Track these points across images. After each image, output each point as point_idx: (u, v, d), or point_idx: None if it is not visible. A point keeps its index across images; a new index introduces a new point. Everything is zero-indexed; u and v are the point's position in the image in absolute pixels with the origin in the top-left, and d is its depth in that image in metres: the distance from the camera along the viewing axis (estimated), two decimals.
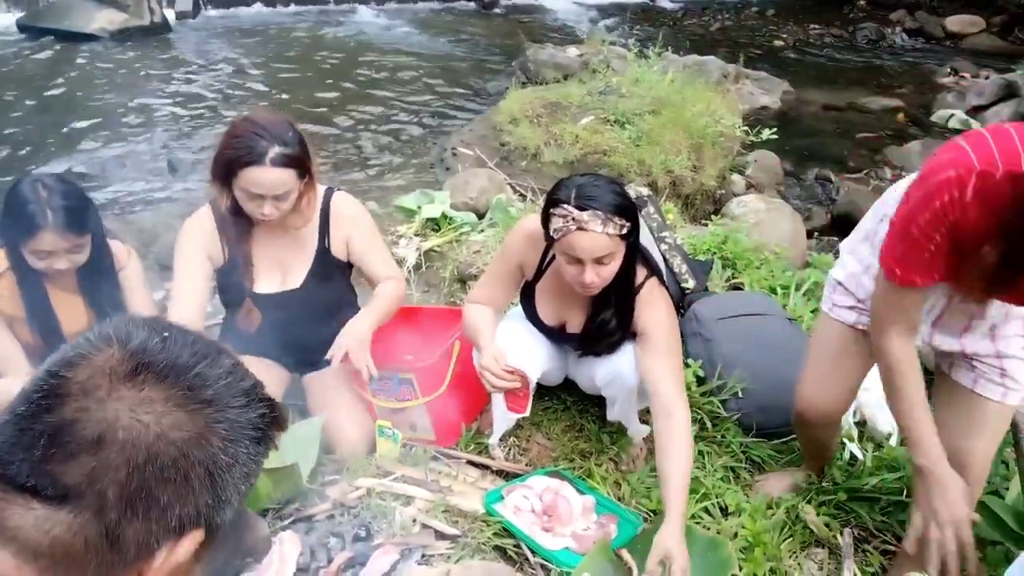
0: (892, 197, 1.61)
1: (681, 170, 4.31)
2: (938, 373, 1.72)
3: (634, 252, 1.78)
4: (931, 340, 1.65)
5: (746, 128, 4.89)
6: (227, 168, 1.81)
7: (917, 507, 1.59)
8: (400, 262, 3.31)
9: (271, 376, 2.19)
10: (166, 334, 0.66)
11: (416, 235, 3.47)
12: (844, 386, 1.82)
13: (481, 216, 3.73)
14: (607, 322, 1.86)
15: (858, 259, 1.70)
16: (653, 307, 1.84)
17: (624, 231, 1.68)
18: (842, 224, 4.67)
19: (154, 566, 0.63)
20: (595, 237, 1.66)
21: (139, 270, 2.15)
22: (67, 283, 2.02)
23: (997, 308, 1.55)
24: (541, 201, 4.13)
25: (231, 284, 2.04)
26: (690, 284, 2.66)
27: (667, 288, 1.91)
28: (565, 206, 1.67)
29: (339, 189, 2.13)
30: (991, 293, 1.43)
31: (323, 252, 2.07)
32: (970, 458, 1.66)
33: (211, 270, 2.02)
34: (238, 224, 1.97)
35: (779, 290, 2.88)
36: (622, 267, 1.76)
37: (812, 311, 2.76)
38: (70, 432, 0.60)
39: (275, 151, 1.78)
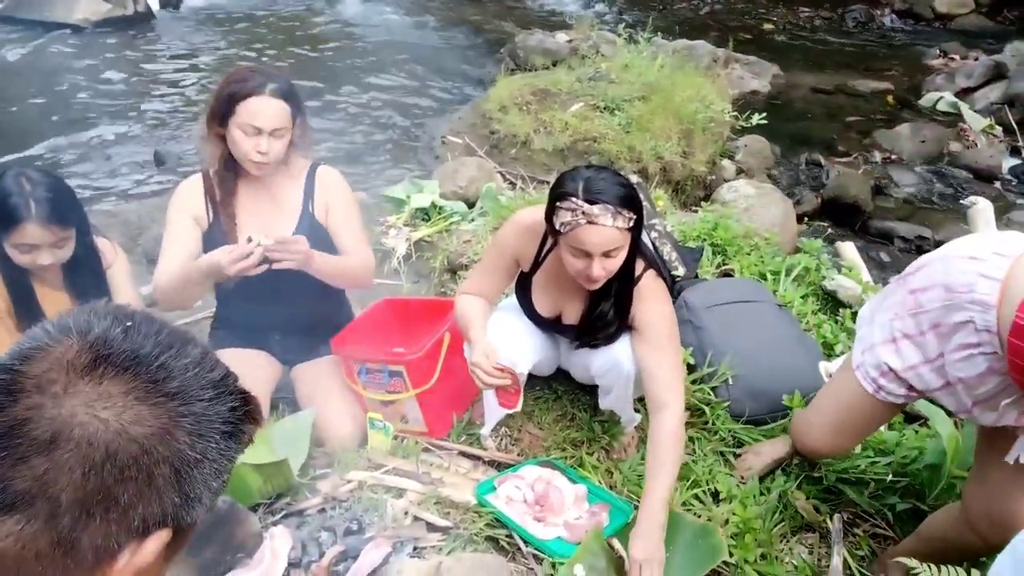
0: (965, 279, 1.40)
1: (671, 156, 4.30)
2: (988, 440, 1.58)
3: (637, 243, 1.77)
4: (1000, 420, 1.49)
5: (736, 113, 4.87)
6: (228, 103, 1.88)
7: None
8: (390, 252, 3.30)
9: (264, 368, 2.18)
10: (128, 323, 0.62)
11: (405, 225, 3.46)
12: (858, 441, 1.82)
13: (471, 205, 3.72)
14: (605, 314, 1.84)
15: (919, 348, 1.51)
16: (652, 299, 1.83)
17: (631, 223, 1.66)
18: (832, 208, 4.68)
19: (116, 568, 0.59)
20: (605, 231, 1.64)
21: (126, 267, 2.13)
22: (54, 280, 2.01)
23: None
24: (531, 189, 4.14)
25: (216, 245, 1.99)
26: (680, 271, 2.65)
27: (665, 279, 1.90)
28: (574, 199, 1.64)
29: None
30: None
31: (307, 215, 2.09)
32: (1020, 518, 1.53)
33: (199, 234, 2.05)
34: (226, 182, 2.02)
35: (769, 276, 2.88)
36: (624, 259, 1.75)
37: (802, 297, 2.77)
38: (20, 432, 0.56)
39: (273, 84, 1.90)
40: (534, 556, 1.78)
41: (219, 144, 1.97)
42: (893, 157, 5.42)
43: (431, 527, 1.77)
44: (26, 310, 1.97)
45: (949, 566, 1.56)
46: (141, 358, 0.60)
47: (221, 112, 1.91)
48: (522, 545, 1.80)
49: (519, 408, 1.95)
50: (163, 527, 0.61)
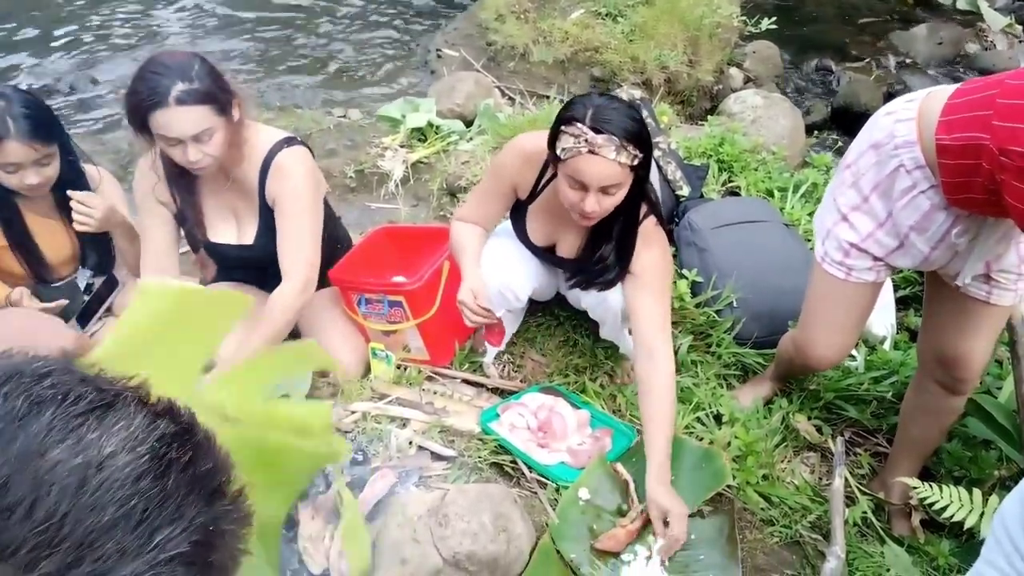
0: (885, 132, 1.48)
1: (676, 66, 4.12)
2: (936, 282, 1.68)
3: (643, 185, 1.69)
4: (945, 267, 1.58)
5: (744, 18, 4.63)
6: (136, 116, 1.66)
7: None
8: (387, 176, 3.22)
9: (256, 301, 2.16)
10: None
11: (402, 146, 3.35)
12: (856, 334, 1.78)
13: (469, 124, 3.59)
14: (605, 258, 1.78)
15: (869, 215, 1.56)
16: (649, 246, 1.76)
17: (636, 162, 1.57)
18: (841, 118, 4.53)
19: None
20: (606, 164, 1.55)
21: (116, 188, 2.11)
22: (44, 207, 2.01)
23: None
24: (531, 105, 4.00)
25: (186, 231, 1.96)
26: (684, 191, 2.60)
27: (664, 224, 1.82)
28: (579, 125, 1.55)
29: (301, 144, 1.91)
30: None
31: (265, 207, 1.90)
32: (971, 358, 1.66)
33: (170, 217, 1.93)
34: (181, 182, 1.84)
35: (776, 193, 2.81)
36: (628, 200, 1.67)
37: (809, 214, 2.70)
38: None
39: (178, 88, 1.62)
40: (538, 481, 1.80)
41: (154, 145, 1.76)
42: (907, 61, 5.20)
43: (436, 456, 1.78)
44: (18, 238, 1.99)
45: (951, 486, 1.60)
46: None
47: (137, 124, 1.69)
48: (526, 471, 1.83)
49: (503, 347, 1.94)
50: None
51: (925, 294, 1.76)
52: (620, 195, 1.63)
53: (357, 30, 5.07)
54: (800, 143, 3.81)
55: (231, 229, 1.95)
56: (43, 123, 1.84)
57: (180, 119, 1.63)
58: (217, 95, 1.68)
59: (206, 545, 0.43)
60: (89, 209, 1.90)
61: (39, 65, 4.53)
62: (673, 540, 1.61)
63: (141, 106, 1.64)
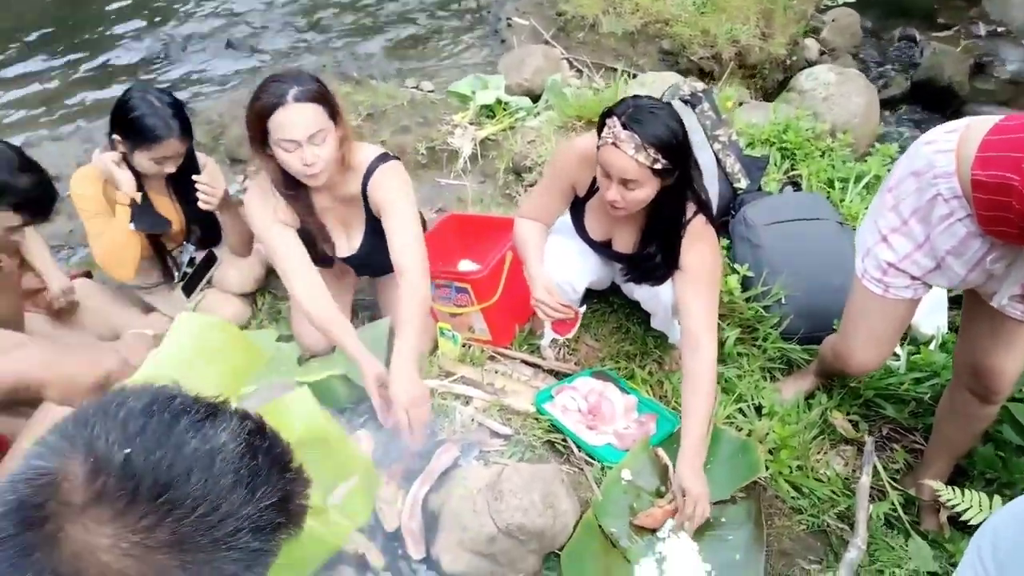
0: (925, 160, 1.55)
1: (748, 39, 4.08)
2: (974, 296, 1.74)
3: (682, 190, 1.80)
4: (982, 286, 1.65)
5: None
6: (258, 124, 1.77)
7: None
8: (456, 153, 3.37)
9: (341, 283, 2.38)
10: (128, 450, 0.58)
11: (471, 124, 3.49)
12: (892, 345, 1.87)
13: (536, 99, 3.70)
14: (652, 256, 1.92)
15: (908, 237, 1.64)
16: (699, 244, 1.87)
17: (657, 166, 1.69)
18: (921, 93, 4.40)
19: None
20: (624, 158, 1.69)
21: (217, 169, 2.35)
22: (159, 186, 2.30)
23: None
24: (598, 77, 4.05)
25: (314, 249, 2.07)
26: (742, 184, 2.66)
27: (713, 224, 1.92)
28: (615, 119, 1.71)
29: (394, 158, 2.02)
30: None
31: (369, 214, 2.05)
32: (1004, 373, 1.74)
33: (296, 238, 2.00)
34: (300, 199, 1.95)
35: (837, 184, 2.83)
36: (670, 204, 1.80)
37: (867, 208, 2.72)
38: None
39: (296, 89, 1.75)
40: (585, 461, 1.99)
41: (272, 163, 1.86)
42: (1000, 29, 4.94)
43: (494, 433, 1.99)
44: (146, 212, 2.26)
45: (972, 490, 1.70)
46: (138, 495, 0.57)
47: (257, 136, 1.80)
48: (575, 450, 2.01)
49: (572, 335, 2.10)
50: None
51: (964, 305, 1.83)
52: (642, 193, 1.75)
53: None
54: (873, 122, 3.75)
55: (342, 242, 2.12)
56: (187, 122, 2.15)
57: (298, 115, 1.74)
58: (329, 98, 1.82)
59: (286, 498, 0.65)
60: (213, 190, 2.21)
61: (124, 36, 4.81)
62: (689, 519, 1.76)
63: (264, 109, 1.75)
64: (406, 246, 1.91)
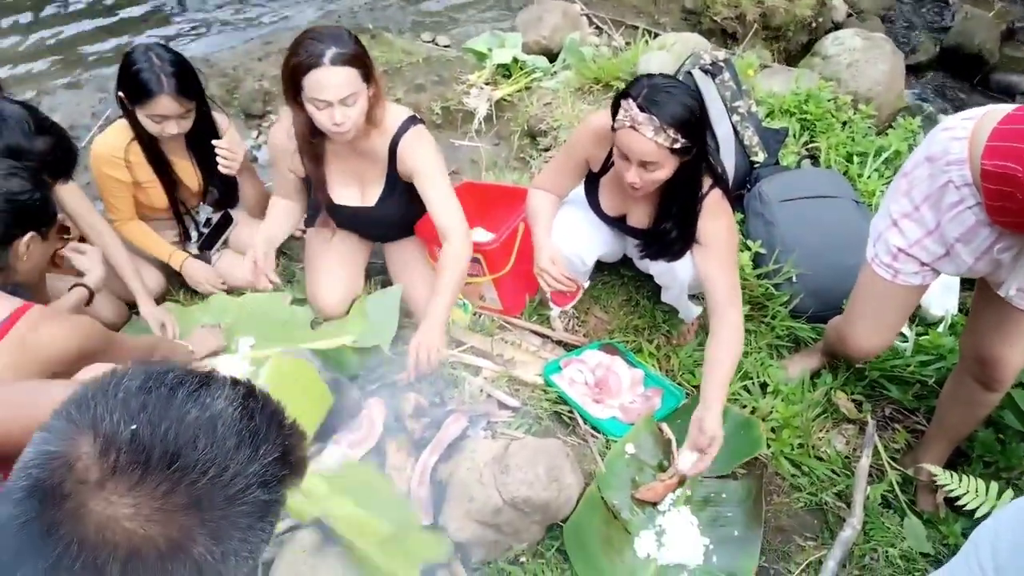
0: (940, 146, 1.53)
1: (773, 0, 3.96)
2: (984, 285, 1.74)
3: (698, 166, 1.79)
4: (990, 275, 1.66)
5: None
6: (293, 79, 1.82)
7: None
8: (471, 114, 3.34)
9: (355, 247, 2.39)
10: (134, 425, 0.62)
11: (486, 84, 3.44)
12: (896, 331, 1.88)
13: (553, 59, 3.63)
14: (668, 232, 1.92)
15: (919, 223, 1.64)
16: (715, 218, 1.87)
17: (677, 145, 1.68)
18: (950, 59, 4.28)
19: None
20: (644, 141, 1.69)
21: (236, 134, 2.35)
22: (178, 148, 2.29)
23: None
24: (618, 35, 3.96)
25: (312, 194, 2.19)
26: (760, 157, 2.63)
27: (729, 197, 1.91)
28: (630, 101, 1.69)
29: (419, 122, 2.06)
30: None
31: (392, 176, 2.10)
32: (1008, 362, 1.76)
33: (298, 182, 2.18)
34: (314, 148, 2.04)
35: (856, 159, 2.79)
36: (686, 181, 1.79)
37: (884, 185, 2.70)
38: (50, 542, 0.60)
39: (333, 51, 1.78)
40: (590, 433, 2.04)
41: (302, 112, 1.91)
42: None
43: (502, 405, 2.03)
44: (164, 170, 2.27)
45: (969, 476, 1.74)
46: (150, 466, 0.61)
47: (291, 88, 1.85)
48: (581, 422, 2.06)
49: (570, 308, 2.12)
50: None
51: (975, 293, 1.84)
52: (662, 173, 1.75)
53: None
54: (897, 89, 3.67)
55: (354, 192, 2.16)
56: (189, 81, 2.08)
57: (335, 77, 1.78)
58: (365, 61, 1.85)
59: (287, 451, 0.70)
60: (234, 155, 2.23)
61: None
62: (702, 451, 1.78)
63: (300, 67, 1.79)
64: (449, 210, 2.01)
